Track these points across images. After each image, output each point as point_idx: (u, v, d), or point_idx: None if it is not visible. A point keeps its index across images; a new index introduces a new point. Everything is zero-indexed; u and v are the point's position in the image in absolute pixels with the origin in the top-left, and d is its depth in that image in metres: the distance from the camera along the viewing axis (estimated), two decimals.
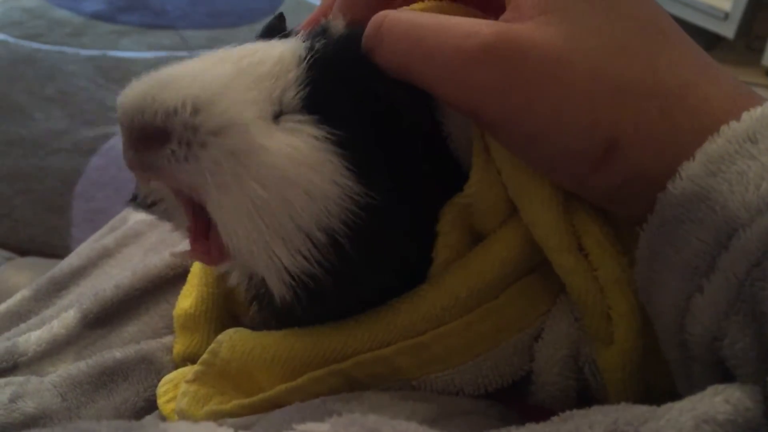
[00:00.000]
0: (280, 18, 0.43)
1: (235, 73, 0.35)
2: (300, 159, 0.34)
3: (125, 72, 2.01)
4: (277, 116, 0.36)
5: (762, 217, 0.27)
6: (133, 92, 0.33)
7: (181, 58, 0.36)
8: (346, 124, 0.36)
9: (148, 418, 0.44)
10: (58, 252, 1.30)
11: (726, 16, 1.90)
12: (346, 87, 0.37)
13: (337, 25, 0.40)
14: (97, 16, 2.31)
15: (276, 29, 0.42)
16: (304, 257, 0.34)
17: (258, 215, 0.33)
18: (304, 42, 0.38)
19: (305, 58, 0.37)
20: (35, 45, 2.12)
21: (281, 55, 0.37)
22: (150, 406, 0.44)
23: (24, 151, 1.68)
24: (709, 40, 2.05)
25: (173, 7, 2.40)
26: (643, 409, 0.28)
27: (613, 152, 0.32)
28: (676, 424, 0.26)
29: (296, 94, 0.36)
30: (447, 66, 0.33)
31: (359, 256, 0.35)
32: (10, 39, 2.15)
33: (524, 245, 0.37)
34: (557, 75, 0.31)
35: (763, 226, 0.27)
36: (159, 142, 0.33)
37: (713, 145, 0.30)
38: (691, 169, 0.30)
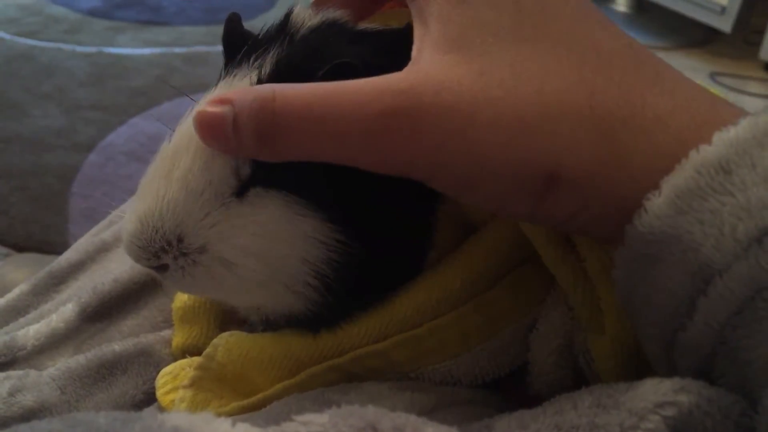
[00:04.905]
0: (235, 19, 0.42)
1: (189, 171, 0.36)
2: (271, 234, 0.36)
3: (122, 68, 2.00)
4: (240, 189, 0.36)
5: (739, 263, 0.25)
6: (127, 236, 0.37)
7: (177, 55, 0.36)
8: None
9: (147, 410, 0.44)
10: (56, 249, 1.30)
11: (723, 9, 1.90)
12: None
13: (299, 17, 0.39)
14: (93, 13, 2.31)
15: (236, 35, 0.41)
16: (302, 296, 0.38)
17: (249, 287, 0.37)
18: (250, 75, 0.37)
19: None
20: (31, 42, 2.12)
21: None
22: (149, 398, 0.45)
23: (21, 149, 1.68)
24: (705, 34, 2.05)
25: (169, 3, 2.40)
26: (625, 383, 0.28)
27: (555, 184, 0.29)
28: (658, 389, 0.26)
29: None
30: (355, 141, 0.30)
31: (350, 282, 0.37)
32: (6, 36, 2.15)
33: (516, 236, 0.37)
34: (474, 123, 0.28)
35: (741, 273, 0.25)
36: (161, 270, 0.37)
37: (680, 178, 0.27)
38: (658, 208, 0.27)
